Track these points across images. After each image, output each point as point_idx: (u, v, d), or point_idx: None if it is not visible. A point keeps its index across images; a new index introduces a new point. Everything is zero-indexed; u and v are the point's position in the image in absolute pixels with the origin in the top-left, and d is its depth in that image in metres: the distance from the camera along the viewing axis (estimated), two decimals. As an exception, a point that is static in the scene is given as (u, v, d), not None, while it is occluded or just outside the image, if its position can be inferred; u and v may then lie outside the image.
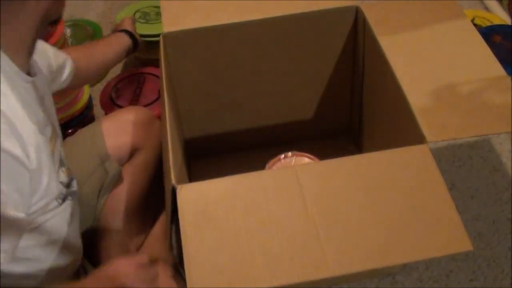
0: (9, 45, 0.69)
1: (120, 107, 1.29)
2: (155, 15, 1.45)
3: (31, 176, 0.68)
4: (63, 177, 0.81)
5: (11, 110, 0.66)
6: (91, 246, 1.00)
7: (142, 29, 1.36)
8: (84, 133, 1.05)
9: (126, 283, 0.77)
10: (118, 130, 1.05)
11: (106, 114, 1.29)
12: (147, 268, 0.81)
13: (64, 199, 0.79)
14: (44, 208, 0.74)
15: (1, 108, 0.64)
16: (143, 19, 1.43)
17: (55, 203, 0.77)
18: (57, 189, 0.77)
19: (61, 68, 0.97)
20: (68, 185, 0.82)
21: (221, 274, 0.66)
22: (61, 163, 0.82)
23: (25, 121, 0.68)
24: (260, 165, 1.00)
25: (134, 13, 1.45)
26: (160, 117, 0.99)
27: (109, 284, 0.76)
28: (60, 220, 0.80)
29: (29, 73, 0.75)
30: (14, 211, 0.67)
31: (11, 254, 0.69)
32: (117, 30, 1.22)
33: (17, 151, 0.65)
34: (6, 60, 0.69)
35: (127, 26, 1.22)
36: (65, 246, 0.83)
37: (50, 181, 0.74)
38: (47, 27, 0.75)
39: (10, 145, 0.64)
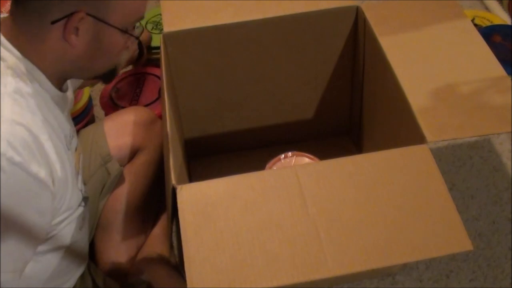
0: (47, 68, 0.72)
1: (120, 107, 1.29)
2: None
3: (54, 196, 0.69)
4: (81, 185, 0.81)
5: (39, 129, 0.66)
6: (92, 246, 1.00)
7: (159, 40, 1.35)
8: (86, 133, 1.05)
9: None
10: (120, 130, 1.05)
11: (106, 114, 1.29)
12: None
13: (78, 206, 0.80)
14: (63, 220, 0.75)
15: (31, 128, 0.64)
16: (157, 29, 1.40)
17: (71, 210, 0.77)
18: (78, 200, 0.78)
19: None
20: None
21: (221, 274, 0.66)
22: (79, 171, 0.82)
23: (52, 139, 0.69)
24: (260, 165, 1.00)
25: (146, 24, 1.42)
26: (161, 117, 0.99)
27: None
28: (72, 226, 0.80)
29: (61, 89, 0.77)
30: (31, 232, 0.67)
31: (22, 271, 0.69)
32: None
33: (42, 174, 0.65)
34: (41, 76, 0.71)
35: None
36: (74, 249, 0.84)
37: (72, 194, 0.75)
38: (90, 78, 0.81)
39: (36, 168, 0.64)
